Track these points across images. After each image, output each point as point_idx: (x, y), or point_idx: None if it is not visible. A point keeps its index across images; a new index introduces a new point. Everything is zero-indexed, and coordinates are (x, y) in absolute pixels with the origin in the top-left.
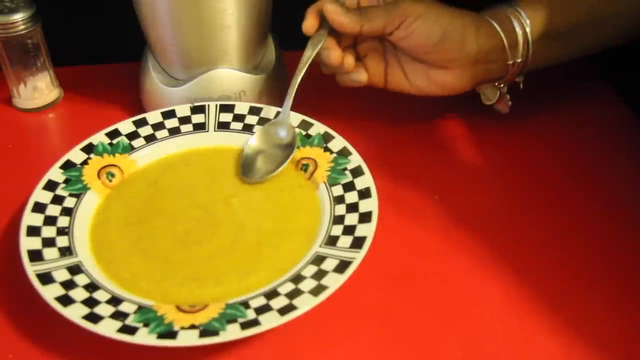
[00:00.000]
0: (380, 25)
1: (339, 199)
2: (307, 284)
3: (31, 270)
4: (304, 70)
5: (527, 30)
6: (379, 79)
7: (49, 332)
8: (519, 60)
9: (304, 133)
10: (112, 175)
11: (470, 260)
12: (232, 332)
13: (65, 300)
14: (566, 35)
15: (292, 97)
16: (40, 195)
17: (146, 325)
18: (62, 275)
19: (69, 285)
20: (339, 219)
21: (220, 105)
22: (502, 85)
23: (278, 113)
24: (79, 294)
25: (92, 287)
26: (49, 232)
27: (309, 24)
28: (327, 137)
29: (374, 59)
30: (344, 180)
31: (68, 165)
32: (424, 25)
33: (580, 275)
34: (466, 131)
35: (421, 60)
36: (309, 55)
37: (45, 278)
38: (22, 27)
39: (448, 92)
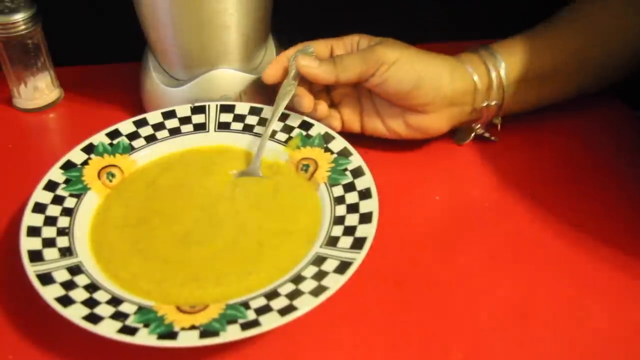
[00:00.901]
0: (356, 74)
1: (340, 200)
2: (308, 285)
3: (31, 270)
4: (274, 123)
5: (502, 73)
6: (354, 124)
7: (49, 333)
8: (493, 103)
9: (304, 133)
10: (113, 175)
11: (470, 261)
12: (232, 333)
13: (66, 301)
14: (542, 79)
15: (263, 151)
16: (41, 195)
17: (146, 325)
18: (62, 275)
19: (69, 285)
20: (339, 220)
21: (221, 106)
22: (478, 127)
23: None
24: (79, 294)
25: (92, 287)
26: (49, 232)
27: (272, 73)
28: (327, 138)
29: (349, 105)
30: (345, 181)
31: (68, 166)
32: (399, 72)
33: (581, 275)
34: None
35: (398, 105)
36: (282, 106)
37: (46, 278)
38: (23, 27)
39: (424, 136)
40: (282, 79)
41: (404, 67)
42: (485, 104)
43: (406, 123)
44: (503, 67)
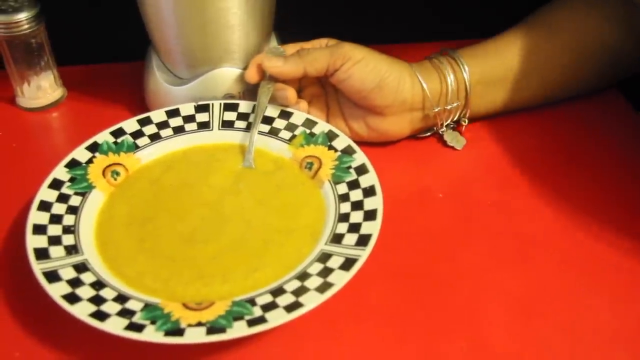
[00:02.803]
0: (323, 65)
1: (344, 197)
2: (313, 282)
3: (37, 268)
4: (259, 119)
5: (465, 76)
6: None
7: (56, 330)
8: (451, 106)
9: (307, 131)
10: (117, 173)
11: (474, 258)
12: (238, 329)
13: (72, 298)
14: (507, 81)
15: (252, 147)
16: (46, 193)
17: (153, 322)
18: (68, 273)
19: (75, 283)
20: (344, 217)
21: (224, 104)
22: (443, 129)
23: (282, 112)
24: (85, 291)
25: (98, 285)
26: (54, 230)
27: (252, 73)
28: (331, 136)
29: (316, 105)
30: (349, 178)
31: (73, 164)
32: (363, 70)
33: (582, 272)
34: (470, 129)
35: (360, 106)
36: (264, 102)
37: (52, 276)
38: (26, 26)
39: (384, 138)
40: (262, 78)
41: (369, 65)
42: (438, 109)
43: (367, 125)
44: (466, 70)
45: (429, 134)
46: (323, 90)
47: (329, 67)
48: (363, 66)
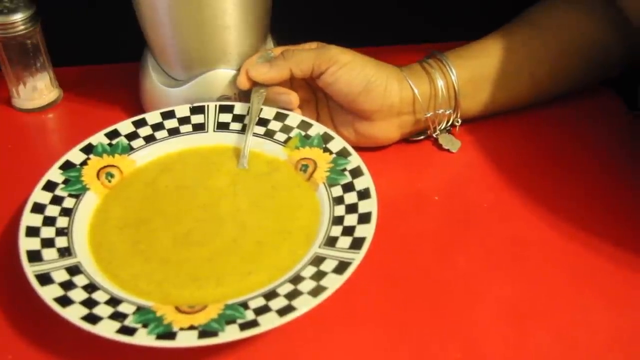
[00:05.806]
0: (309, 67)
1: (338, 200)
2: (306, 285)
3: (30, 270)
4: (254, 123)
5: (453, 79)
6: None
7: (48, 333)
8: (440, 112)
9: (303, 134)
10: (112, 175)
11: (469, 261)
12: (230, 333)
13: (64, 301)
14: (496, 81)
15: (246, 149)
16: (40, 195)
17: (145, 326)
18: (61, 275)
19: (67, 285)
20: (338, 220)
21: (220, 106)
22: (437, 132)
23: (277, 114)
24: (77, 294)
25: (91, 287)
26: (48, 232)
27: (243, 80)
28: (326, 138)
29: (306, 110)
30: (344, 181)
31: (67, 166)
32: (349, 73)
33: (578, 276)
34: (465, 131)
35: (348, 111)
36: (256, 107)
37: (44, 279)
38: (22, 27)
39: (374, 144)
40: (253, 84)
41: (356, 69)
42: (430, 114)
43: (356, 131)
44: (454, 72)
45: (422, 137)
46: (313, 95)
47: (314, 69)
48: (349, 69)
